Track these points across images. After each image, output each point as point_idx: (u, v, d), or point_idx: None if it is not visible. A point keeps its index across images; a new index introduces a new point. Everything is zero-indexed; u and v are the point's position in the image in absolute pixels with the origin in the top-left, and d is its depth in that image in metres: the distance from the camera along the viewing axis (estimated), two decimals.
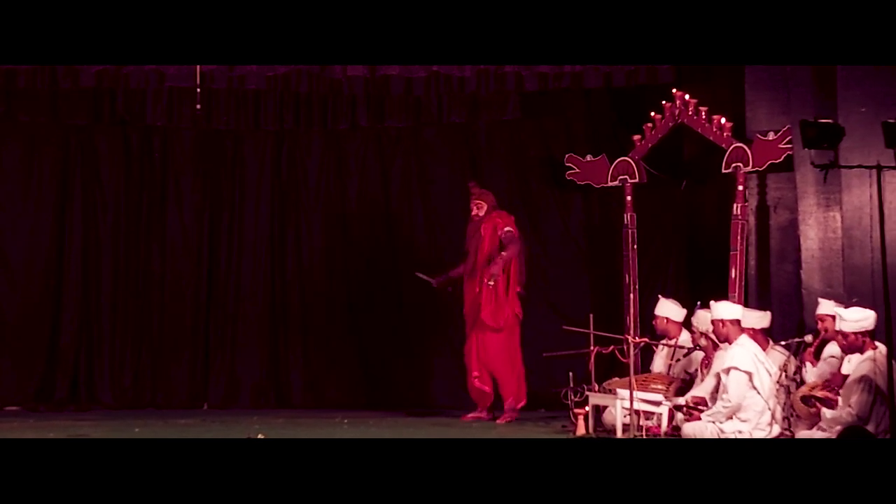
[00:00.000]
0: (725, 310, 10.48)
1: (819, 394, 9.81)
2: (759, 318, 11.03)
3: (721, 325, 10.38)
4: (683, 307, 11.84)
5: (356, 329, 14.67)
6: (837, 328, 9.72)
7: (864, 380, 9.40)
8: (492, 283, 12.70)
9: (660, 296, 12.11)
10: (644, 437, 10.40)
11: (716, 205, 13.16)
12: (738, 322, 10.41)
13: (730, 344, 10.33)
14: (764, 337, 10.93)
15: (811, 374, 10.28)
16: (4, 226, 14.31)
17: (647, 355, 12.21)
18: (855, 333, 9.56)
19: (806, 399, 9.88)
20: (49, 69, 13.08)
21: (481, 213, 13.00)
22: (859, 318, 9.58)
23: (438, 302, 14.04)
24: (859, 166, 11.31)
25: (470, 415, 12.96)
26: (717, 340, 10.63)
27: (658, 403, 10.68)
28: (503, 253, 12.75)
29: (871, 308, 9.76)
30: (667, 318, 11.90)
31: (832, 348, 10.22)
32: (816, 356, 10.37)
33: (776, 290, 12.27)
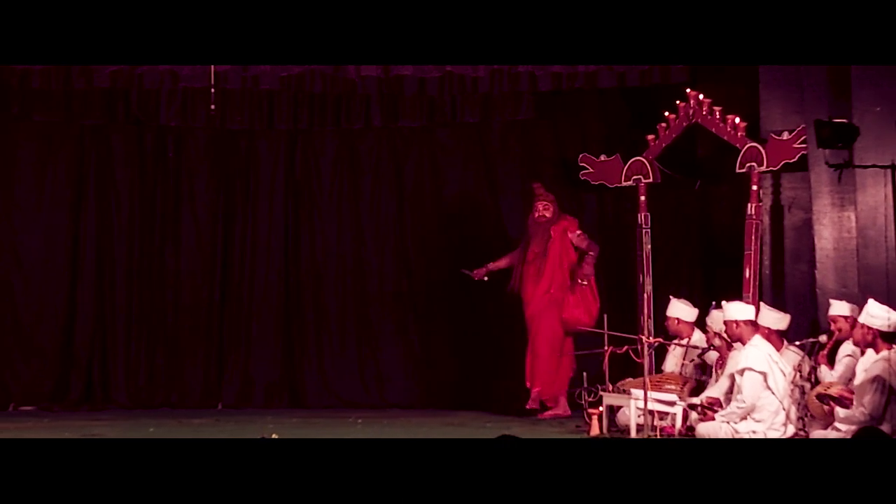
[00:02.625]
0: (738, 310, 10.46)
1: (835, 392, 9.80)
2: (778, 320, 10.99)
3: (734, 325, 10.36)
4: (697, 307, 11.83)
5: (370, 328, 14.68)
6: (861, 320, 9.71)
7: (877, 380, 9.39)
8: (585, 282, 12.90)
9: (671, 297, 12.10)
10: (658, 437, 10.40)
11: (730, 205, 13.14)
12: (750, 322, 10.39)
13: (743, 344, 10.31)
14: (779, 337, 10.91)
15: (828, 375, 10.26)
16: (20, 226, 14.34)
17: (660, 355, 12.20)
18: (868, 328, 9.55)
19: (821, 397, 9.87)
20: (63, 69, 13.11)
21: (548, 215, 13.09)
22: (875, 314, 9.58)
23: (451, 300, 14.06)
24: (874, 166, 11.33)
25: (548, 413, 13.00)
26: (730, 340, 10.62)
27: (672, 403, 10.67)
28: (591, 253, 13.01)
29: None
30: (678, 319, 11.89)
31: (847, 348, 10.21)
32: (830, 358, 10.36)
33: (790, 290, 12.25)
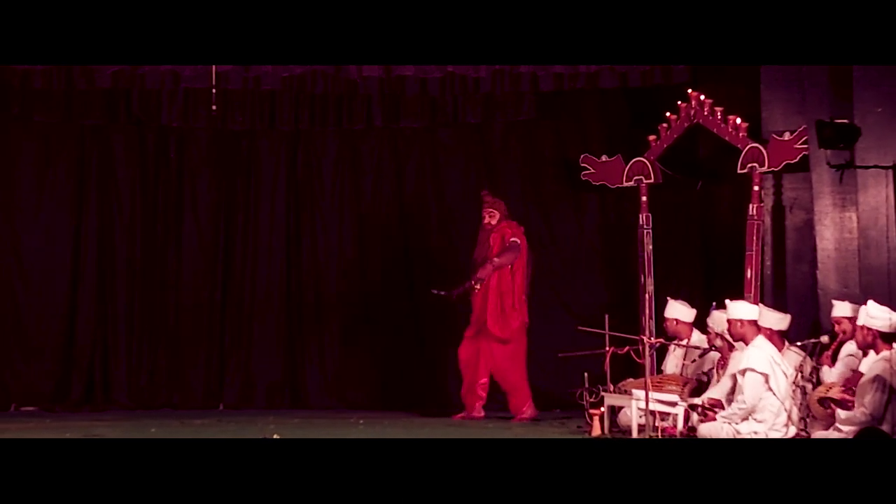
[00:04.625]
0: (742, 309, 10.43)
1: (835, 395, 9.79)
2: (779, 320, 10.98)
3: (738, 324, 10.33)
4: (698, 308, 11.81)
5: (371, 329, 14.68)
6: (859, 322, 9.70)
7: (877, 379, 9.37)
8: (477, 286, 12.76)
9: (668, 298, 12.09)
10: (659, 437, 10.39)
11: (731, 205, 13.14)
12: (754, 322, 10.37)
13: (746, 344, 10.29)
14: (780, 338, 10.89)
15: (830, 375, 10.26)
16: (21, 226, 14.35)
17: (661, 356, 12.19)
18: (868, 329, 9.54)
19: (822, 401, 9.86)
20: (65, 70, 13.12)
21: (493, 222, 13.01)
22: (875, 315, 9.56)
23: (453, 303, 14.07)
24: (875, 166, 11.33)
25: (459, 415, 12.98)
26: (731, 341, 10.60)
27: (673, 404, 10.66)
28: (495, 259, 12.81)
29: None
30: (676, 320, 11.88)
31: (849, 347, 10.21)
32: (833, 359, 10.35)
33: (792, 291, 12.25)
